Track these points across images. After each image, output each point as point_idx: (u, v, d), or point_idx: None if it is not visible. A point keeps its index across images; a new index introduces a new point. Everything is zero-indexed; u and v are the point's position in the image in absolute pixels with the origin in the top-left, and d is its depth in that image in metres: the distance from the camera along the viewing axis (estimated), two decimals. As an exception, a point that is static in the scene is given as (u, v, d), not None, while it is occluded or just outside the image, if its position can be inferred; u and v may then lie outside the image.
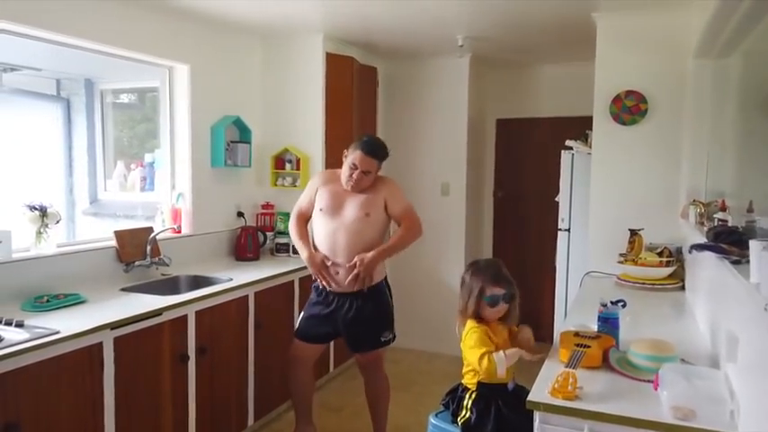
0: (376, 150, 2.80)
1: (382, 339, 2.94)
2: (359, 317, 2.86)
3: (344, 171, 2.80)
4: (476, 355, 2.00)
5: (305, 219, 3.02)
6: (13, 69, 3.97)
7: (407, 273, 4.92)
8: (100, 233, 3.21)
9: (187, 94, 3.59)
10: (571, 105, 4.79)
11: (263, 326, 3.27)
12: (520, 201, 5.17)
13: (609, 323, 2.04)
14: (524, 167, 5.13)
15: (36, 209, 2.70)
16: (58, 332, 2.17)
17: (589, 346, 1.87)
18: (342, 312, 2.86)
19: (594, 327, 2.11)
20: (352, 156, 2.78)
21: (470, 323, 2.09)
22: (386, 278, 3.01)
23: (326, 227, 2.85)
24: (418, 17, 3.53)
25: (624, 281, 3.12)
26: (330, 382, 4.13)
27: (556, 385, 1.61)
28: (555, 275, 3.65)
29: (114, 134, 4.68)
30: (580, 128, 4.36)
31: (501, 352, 1.98)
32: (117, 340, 2.38)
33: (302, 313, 3.02)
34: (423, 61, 4.76)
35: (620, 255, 3.20)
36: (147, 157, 4.53)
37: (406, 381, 4.21)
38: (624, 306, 2.08)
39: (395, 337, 3.02)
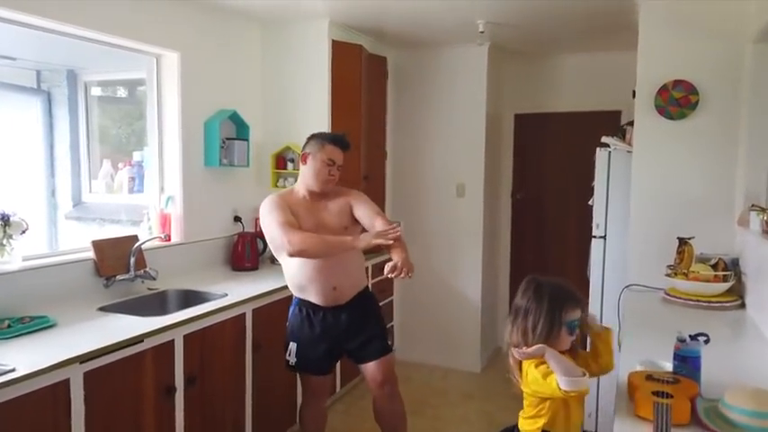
0: (347, 144, 2.64)
1: (389, 343, 2.76)
2: (359, 323, 2.64)
3: (317, 170, 2.54)
4: (551, 381, 1.60)
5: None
6: (-16, 58, 3.59)
7: (418, 280, 4.52)
8: (84, 240, 2.83)
9: (177, 86, 3.20)
10: (598, 99, 4.43)
11: (262, 347, 2.89)
12: (541, 203, 4.79)
13: (689, 363, 1.65)
14: (546, 167, 4.75)
15: (-4, 217, 2.32)
16: (13, 370, 1.79)
17: (671, 396, 1.48)
18: (339, 326, 2.61)
19: (667, 364, 1.73)
20: (324, 153, 2.55)
21: (537, 360, 1.69)
22: (368, 285, 2.84)
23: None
24: (436, -1, 3.15)
25: (673, 297, 2.73)
26: (336, 404, 3.75)
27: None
28: (588, 288, 3.27)
29: (100, 130, 4.29)
30: (608, 123, 4.00)
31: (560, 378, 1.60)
32: (88, 375, 2.00)
33: (290, 345, 2.66)
34: (437, 50, 4.37)
35: (669, 267, 2.82)
36: (136, 156, 4.15)
37: (418, 402, 3.83)
38: (708, 342, 1.69)
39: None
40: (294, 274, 2.59)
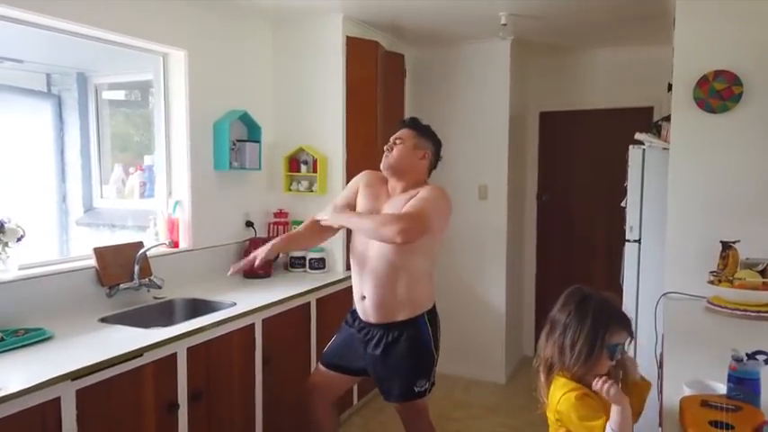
0: (416, 122, 2.44)
1: (416, 390, 2.29)
2: (387, 357, 2.28)
3: None
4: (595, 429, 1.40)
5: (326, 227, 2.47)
6: (-8, 61, 3.51)
7: (439, 287, 4.32)
8: (90, 249, 2.72)
9: (184, 85, 3.06)
10: (628, 95, 4.21)
11: (272, 360, 2.73)
12: (568, 205, 4.56)
13: (746, 386, 1.44)
14: (573, 167, 4.52)
15: (-10, 224, 2.20)
16: (-2, 389, 1.65)
17: (732, 427, 1.28)
18: (370, 347, 2.32)
19: (720, 386, 1.51)
20: None
21: (570, 384, 1.49)
22: (431, 309, 2.39)
23: (357, 243, 2.37)
24: (455, -11, 2.97)
25: (717, 306, 2.50)
26: (353, 416, 3.57)
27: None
28: (621, 296, 3.05)
29: (111, 134, 4.20)
30: (640, 120, 3.77)
31: (612, 418, 1.40)
32: (81, 393, 1.86)
33: (334, 337, 2.53)
34: (457, 46, 4.18)
35: (712, 273, 2.59)
36: (147, 160, 4.03)
37: (440, 415, 3.63)
38: (768, 361, 1.47)
39: (433, 384, 2.38)
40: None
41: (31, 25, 2.47)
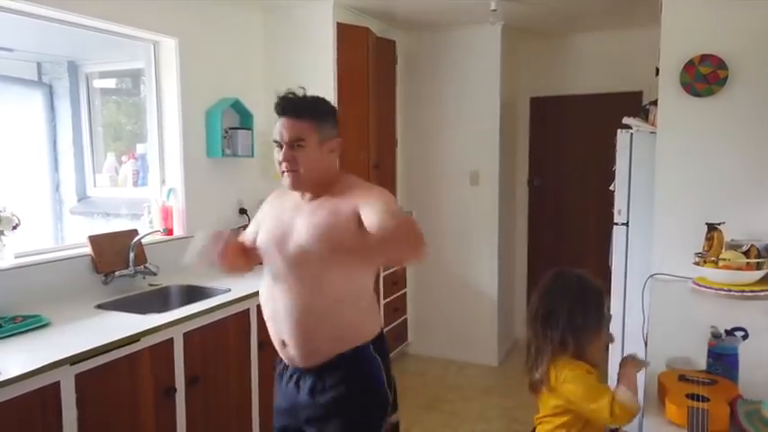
0: (301, 105, 1.69)
1: None
2: (320, 406, 1.69)
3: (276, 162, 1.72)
4: (603, 407, 1.42)
5: None
6: (-19, 51, 3.50)
7: (432, 272, 4.40)
8: (86, 237, 2.74)
9: (176, 73, 3.07)
10: (618, 79, 4.24)
11: (268, 345, 2.76)
12: (559, 190, 4.61)
13: (725, 361, 1.50)
14: (563, 152, 4.57)
15: (-15, 213, 2.22)
16: (-3, 373, 1.69)
17: (707, 399, 1.33)
18: (302, 391, 1.72)
19: (701, 363, 1.57)
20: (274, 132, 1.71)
21: (573, 363, 1.52)
22: (379, 335, 1.78)
23: (265, 277, 1.74)
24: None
25: (702, 287, 2.55)
26: None
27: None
28: (610, 278, 3.10)
29: (103, 123, 4.20)
30: (629, 104, 3.79)
31: (621, 388, 1.44)
32: (80, 377, 1.89)
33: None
34: (448, 32, 4.19)
35: (697, 254, 2.64)
36: (140, 148, 4.04)
37: (433, 397, 3.71)
38: (746, 337, 1.53)
39: (398, 422, 1.96)
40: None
41: (21, 14, 2.47)
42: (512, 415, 3.46)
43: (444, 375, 4.09)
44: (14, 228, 2.30)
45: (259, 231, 1.80)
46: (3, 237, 2.27)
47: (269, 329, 1.77)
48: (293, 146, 1.66)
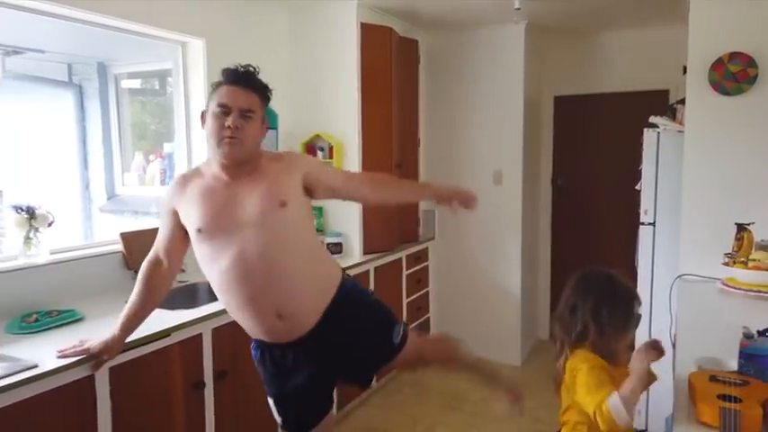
0: (250, 78, 1.73)
1: (395, 342, 1.88)
2: (340, 342, 1.82)
3: (211, 129, 1.68)
4: (590, 402, 1.44)
5: (161, 266, 1.92)
6: (16, 52, 3.59)
7: (455, 271, 4.40)
8: (116, 234, 2.81)
9: (203, 74, 3.12)
10: (644, 78, 4.20)
11: (293, 341, 2.81)
12: (583, 189, 4.58)
13: (757, 362, 1.49)
14: (588, 151, 4.53)
15: (22, 210, 2.28)
16: (35, 366, 1.74)
17: (740, 400, 1.32)
18: (313, 354, 1.81)
19: (731, 363, 1.56)
20: (213, 99, 1.70)
21: (589, 355, 1.53)
22: (346, 276, 1.93)
23: (220, 257, 1.69)
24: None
25: (732, 287, 2.53)
26: (372, 396, 3.66)
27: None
28: (636, 279, 3.08)
29: (131, 122, 4.28)
30: (656, 103, 3.76)
31: (614, 394, 1.41)
32: (113, 371, 1.95)
33: (269, 400, 1.98)
34: (470, 31, 4.18)
35: (727, 255, 2.61)
36: (167, 147, 4.12)
37: (455, 397, 3.71)
38: (779, 338, 1.51)
39: (406, 326, 1.96)
40: (227, 305, 1.82)
41: (52, 16, 2.53)
42: (535, 415, 3.44)
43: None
44: (49, 225, 2.37)
45: (190, 220, 1.75)
46: (38, 234, 2.33)
47: (247, 313, 1.75)
48: (243, 115, 1.66)
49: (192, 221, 1.75)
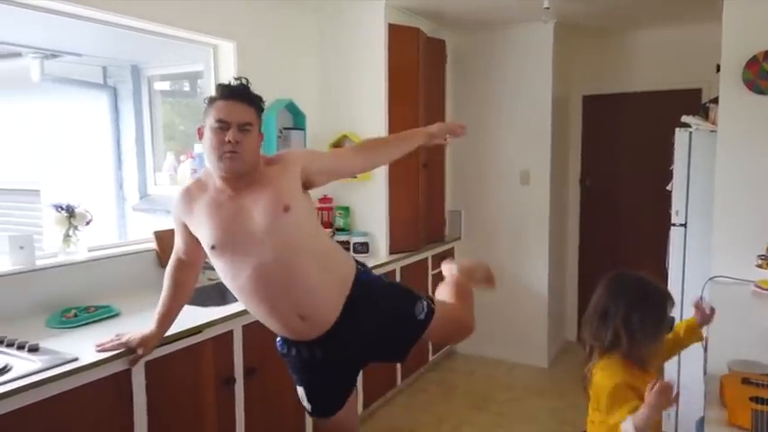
0: (245, 92, 1.77)
1: (420, 318, 1.91)
2: (364, 331, 1.85)
3: (211, 144, 1.70)
4: (604, 421, 1.45)
5: (185, 264, 1.98)
6: (54, 56, 3.71)
7: (481, 271, 4.38)
8: (150, 232, 2.88)
9: (233, 75, 3.16)
10: (675, 76, 4.14)
11: (321, 339, 2.84)
12: (612, 190, 4.53)
13: (791, 365, 1.46)
14: (617, 151, 4.48)
15: (62, 209, 2.37)
16: (76, 359, 1.81)
17: (773, 403, 1.31)
18: (340, 347, 1.86)
19: (764, 366, 1.54)
20: (210, 115, 1.71)
21: (615, 368, 1.50)
22: (359, 268, 1.93)
23: (238, 269, 1.73)
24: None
25: (765, 289, 2.49)
26: (397, 396, 3.68)
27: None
28: (667, 280, 3.03)
29: (163, 123, 4.38)
30: (688, 103, 3.70)
31: (629, 420, 1.38)
32: (149, 365, 2.01)
33: (298, 389, 2.03)
34: (498, 31, 4.18)
35: (760, 257, 2.57)
36: (197, 148, 4.20)
37: (481, 397, 3.71)
38: (814, 341, 1.49)
39: (431, 301, 2.00)
40: (244, 302, 1.85)
41: (89, 20, 2.61)
42: (562, 416, 3.43)
43: (494, 375, 4.08)
44: (87, 223, 2.44)
45: (202, 235, 1.78)
46: (77, 232, 2.41)
47: (272, 318, 1.80)
48: (242, 128, 1.69)
49: (204, 238, 1.78)
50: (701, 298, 1.60)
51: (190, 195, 1.82)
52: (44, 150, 4.36)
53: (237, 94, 1.74)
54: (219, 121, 1.68)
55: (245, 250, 1.71)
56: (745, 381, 1.43)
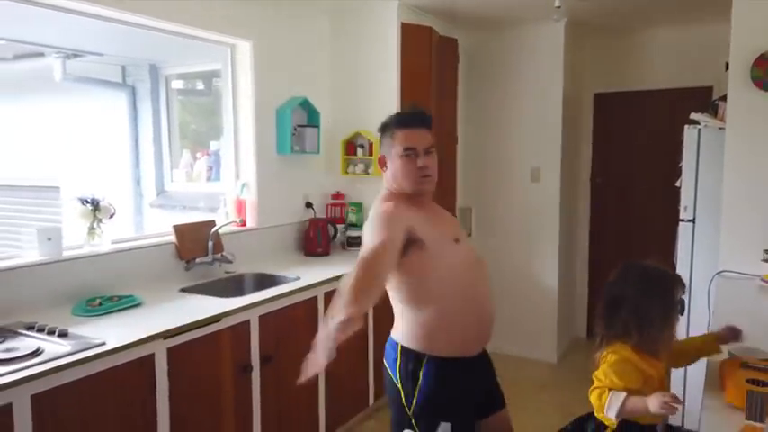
0: (424, 118, 1.88)
1: None
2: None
3: (404, 171, 1.81)
4: (597, 383, 1.52)
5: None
6: (76, 56, 3.82)
7: (491, 269, 4.41)
8: (167, 227, 2.98)
9: (250, 74, 3.27)
10: (686, 74, 4.16)
11: (334, 330, 2.92)
12: (623, 187, 4.56)
13: (790, 351, 1.51)
14: (628, 149, 4.51)
15: (87, 202, 2.46)
16: (103, 343, 1.90)
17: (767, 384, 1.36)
18: (488, 373, 2.04)
19: (765, 353, 1.59)
20: (394, 144, 1.82)
21: (623, 349, 1.54)
22: (402, 349, 1.82)
23: (464, 262, 1.84)
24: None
25: (772, 284, 2.52)
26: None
27: (742, 450, 1.13)
28: (674, 275, 3.08)
29: (180, 121, 4.48)
30: (699, 100, 3.73)
31: (623, 393, 1.46)
32: (171, 351, 2.09)
33: (441, 426, 1.78)
34: (510, 30, 4.23)
35: (766, 252, 2.60)
36: (213, 145, 4.30)
37: (492, 390, 3.75)
38: (813, 328, 1.54)
39: None
40: (440, 313, 1.78)
41: (110, 21, 2.70)
42: (570, 410, 3.42)
43: (503, 370, 4.02)
44: (111, 216, 2.54)
45: (421, 235, 1.76)
46: (101, 224, 2.50)
47: (466, 314, 1.80)
48: (427, 152, 1.83)
49: (426, 236, 1.78)
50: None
51: (404, 206, 1.81)
52: (64, 148, 4.49)
53: (420, 122, 1.86)
54: (408, 149, 1.80)
55: (453, 248, 1.85)
56: (744, 365, 1.48)
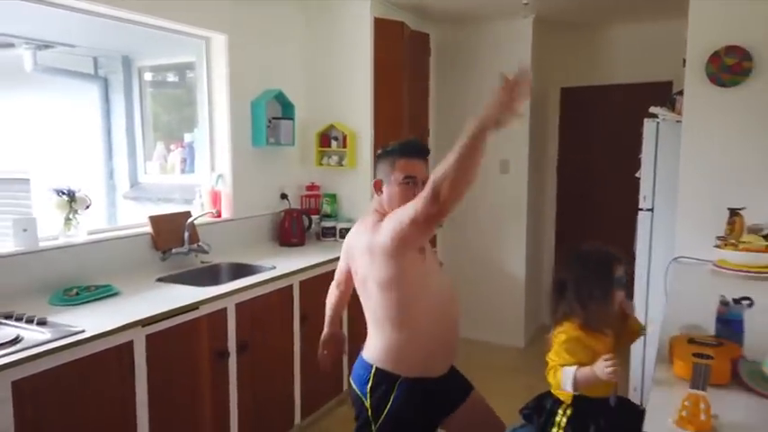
0: (424, 149, 2.00)
1: None
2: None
3: (401, 197, 1.86)
4: (551, 363, 1.67)
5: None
6: (47, 46, 3.79)
7: (461, 256, 4.57)
8: (140, 218, 3.01)
9: (225, 67, 3.30)
10: (649, 70, 4.32)
11: (309, 318, 2.99)
12: (587, 178, 4.72)
13: (731, 326, 1.65)
14: (593, 141, 4.67)
15: (63, 193, 2.48)
16: (83, 331, 1.94)
17: (711, 357, 1.49)
18: (455, 389, 2.10)
19: (710, 330, 1.72)
20: (393, 171, 1.90)
21: (569, 328, 1.67)
22: (376, 371, 1.89)
23: (442, 285, 1.97)
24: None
25: (722, 268, 2.67)
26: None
27: (684, 413, 1.24)
28: (634, 262, 3.22)
29: (153, 113, 4.48)
30: (659, 94, 3.88)
31: (575, 367, 1.60)
32: (149, 338, 2.14)
33: None
34: (480, 25, 4.33)
35: (718, 238, 2.76)
36: (187, 137, 4.31)
37: (463, 375, 3.88)
38: (751, 305, 1.67)
39: None
40: (418, 334, 1.86)
41: (83, 12, 2.69)
42: (536, 391, 3.60)
43: (472, 356, 4.22)
44: (87, 207, 2.56)
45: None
46: (77, 215, 2.53)
47: (443, 334, 1.94)
48: (424, 182, 1.84)
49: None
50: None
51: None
52: (35, 140, 4.45)
53: (420, 152, 1.96)
54: (408, 177, 1.89)
55: (434, 274, 1.98)
56: (691, 341, 1.61)
